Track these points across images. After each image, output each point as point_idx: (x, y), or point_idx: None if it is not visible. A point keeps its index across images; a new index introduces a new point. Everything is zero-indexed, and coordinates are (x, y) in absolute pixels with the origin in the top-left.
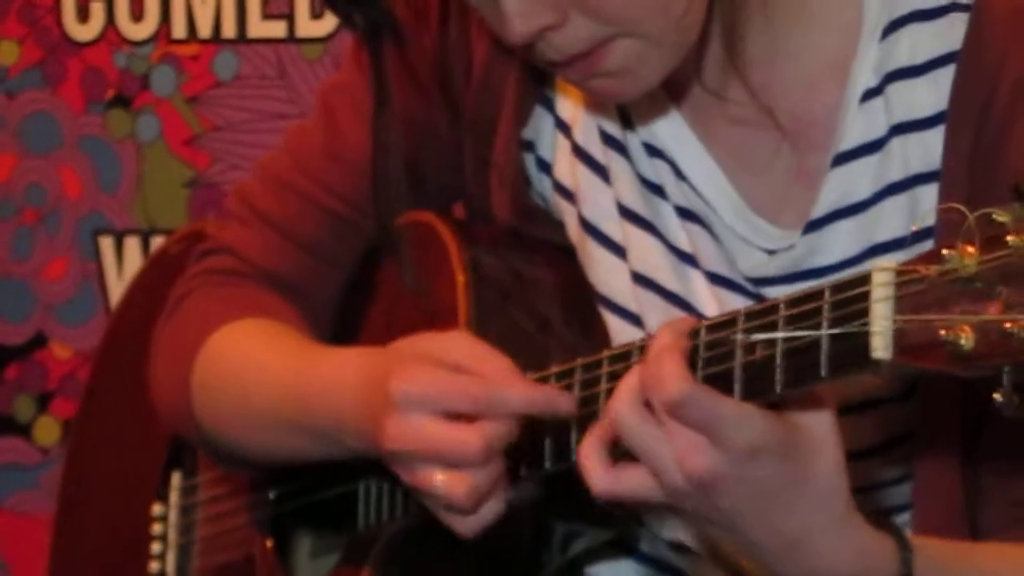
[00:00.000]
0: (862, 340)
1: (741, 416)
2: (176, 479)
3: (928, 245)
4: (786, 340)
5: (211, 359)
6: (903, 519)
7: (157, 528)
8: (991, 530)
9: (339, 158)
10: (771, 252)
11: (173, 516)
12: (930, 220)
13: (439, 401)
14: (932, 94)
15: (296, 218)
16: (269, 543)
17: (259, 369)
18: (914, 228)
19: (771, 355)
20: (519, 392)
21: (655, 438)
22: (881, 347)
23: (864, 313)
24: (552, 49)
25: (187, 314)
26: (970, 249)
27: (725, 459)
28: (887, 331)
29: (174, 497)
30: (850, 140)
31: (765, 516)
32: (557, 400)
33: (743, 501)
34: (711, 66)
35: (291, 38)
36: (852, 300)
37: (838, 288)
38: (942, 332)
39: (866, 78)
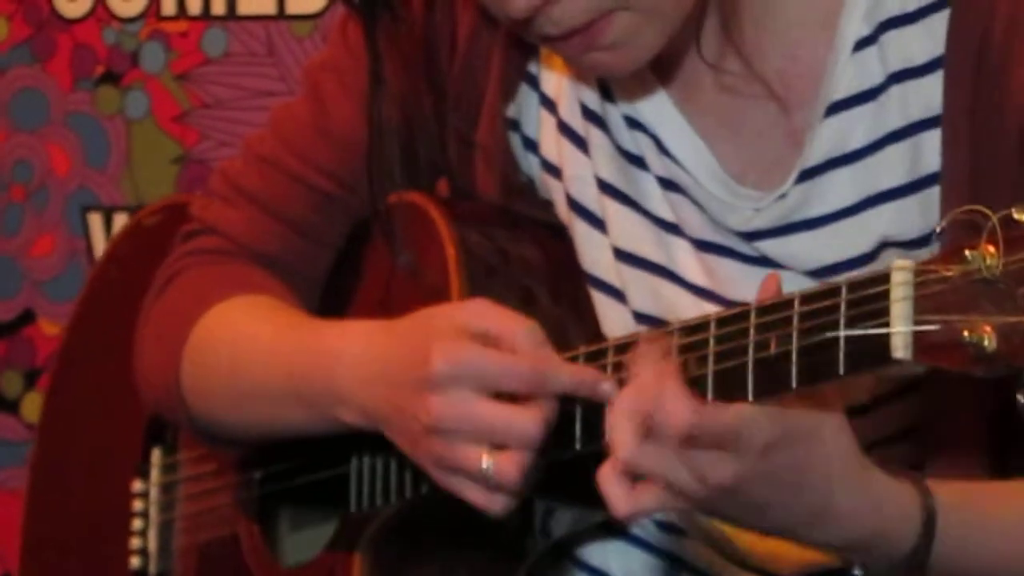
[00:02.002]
0: (882, 340)
1: (749, 420)
2: (156, 456)
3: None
4: (802, 337)
5: (203, 338)
6: None
7: (138, 505)
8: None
9: (326, 135)
10: (758, 210)
11: (154, 493)
12: (933, 153)
13: (488, 379)
14: (927, 40)
15: (282, 196)
16: (254, 522)
17: (252, 341)
18: (937, 229)
19: (787, 351)
20: (568, 374)
21: (671, 465)
22: (901, 347)
23: (883, 312)
24: (551, 23)
25: (176, 295)
26: (992, 249)
27: (744, 466)
28: (908, 332)
29: (155, 474)
30: (843, 90)
31: (786, 499)
32: (601, 383)
33: (767, 493)
34: (709, 37)
35: (280, 15)
36: (870, 299)
37: (855, 286)
38: (965, 333)
39: (857, 28)
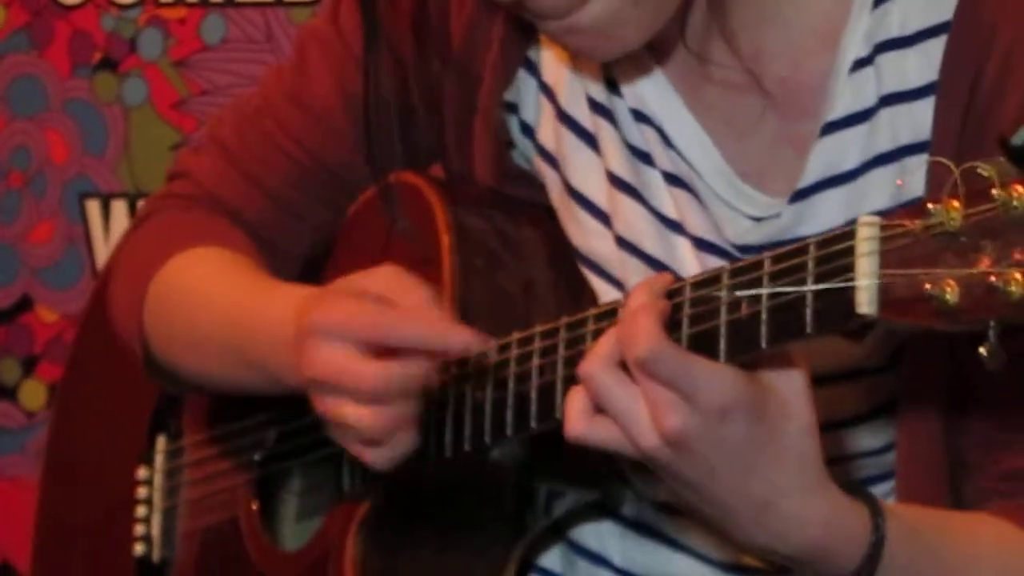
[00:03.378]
0: (847, 295)
1: (713, 375)
2: (161, 442)
3: None
4: (771, 296)
5: (165, 284)
6: (886, 488)
7: (142, 491)
8: (974, 502)
9: (302, 105)
10: (757, 219)
11: (158, 479)
12: (919, 178)
13: (347, 332)
14: (922, 65)
15: (251, 153)
16: (254, 505)
17: (208, 299)
18: (899, 182)
19: (757, 312)
20: (414, 327)
21: (628, 396)
22: (866, 302)
23: (849, 268)
24: (538, 3)
25: (146, 236)
26: (955, 203)
27: (697, 418)
28: (872, 286)
29: (159, 460)
30: (839, 110)
31: (735, 476)
32: (450, 337)
33: (714, 460)
34: (694, 27)
35: (279, 2)
36: (837, 255)
37: (824, 243)
38: (927, 287)
39: (856, 48)
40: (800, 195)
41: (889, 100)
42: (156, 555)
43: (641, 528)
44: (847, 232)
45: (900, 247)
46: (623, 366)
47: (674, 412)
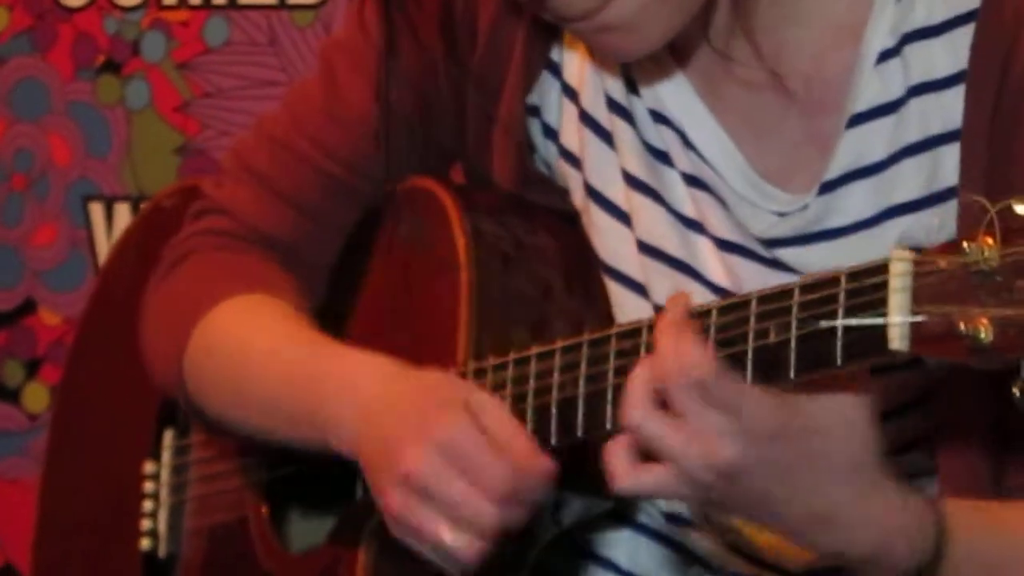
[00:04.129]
0: (879, 330)
1: (763, 399)
2: (169, 438)
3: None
4: (800, 326)
5: (209, 332)
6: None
7: (149, 486)
8: (1018, 489)
9: (338, 119)
10: (782, 215)
11: (165, 475)
12: (951, 169)
13: (473, 465)
14: (950, 54)
15: (292, 179)
16: (264, 507)
17: (254, 348)
18: (935, 220)
19: (785, 340)
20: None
21: (674, 434)
22: (898, 338)
23: (881, 303)
24: (563, 5)
25: (185, 280)
26: (990, 241)
27: (751, 446)
28: (905, 323)
29: (166, 456)
30: (865, 101)
31: (792, 497)
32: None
33: (769, 485)
34: (718, 26)
35: (282, 4)
36: (869, 289)
37: (855, 275)
38: (961, 325)
39: (882, 39)
40: (827, 187)
41: (918, 90)
42: (162, 550)
43: (654, 537)
44: (880, 266)
45: (933, 283)
46: (658, 403)
47: (728, 441)
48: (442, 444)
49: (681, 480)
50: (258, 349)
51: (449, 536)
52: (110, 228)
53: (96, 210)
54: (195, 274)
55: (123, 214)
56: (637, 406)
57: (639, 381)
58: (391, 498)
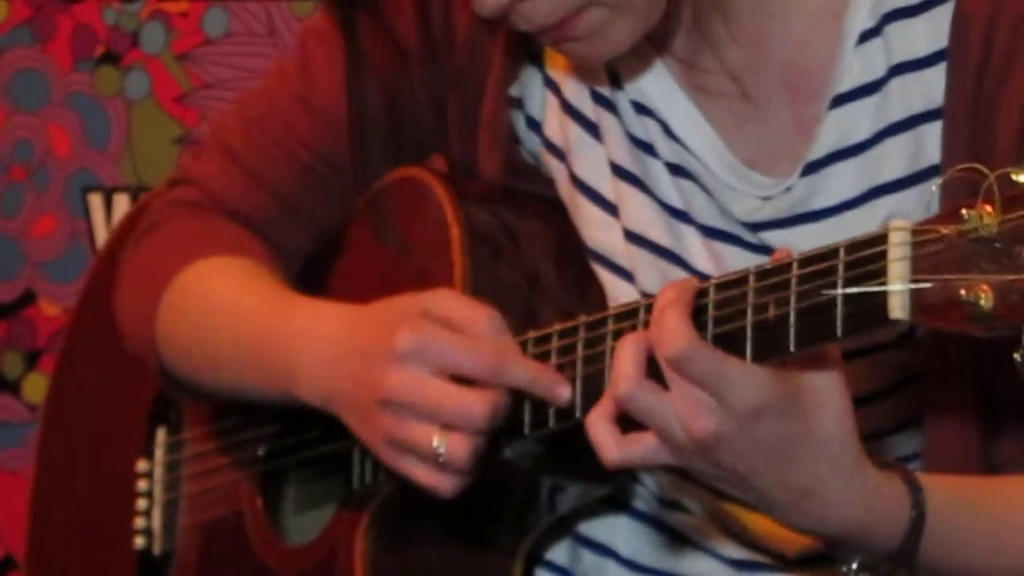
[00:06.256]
0: (879, 300)
1: (745, 375)
2: (161, 435)
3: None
4: (799, 299)
5: (179, 296)
6: (914, 467)
7: (142, 484)
8: (1008, 463)
9: (309, 108)
10: (766, 199)
11: (159, 472)
12: (933, 146)
13: (447, 360)
14: (930, 32)
15: (264, 161)
16: (259, 500)
17: (226, 306)
18: (933, 189)
19: (784, 314)
20: (525, 369)
21: (659, 402)
22: (899, 307)
23: (881, 273)
24: (523, 20)
25: (156, 245)
26: (989, 209)
27: (730, 420)
28: (905, 291)
29: (159, 453)
30: (847, 82)
31: (772, 472)
32: (557, 388)
33: (750, 460)
34: (679, 35)
35: None
36: (868, 259)
37: (853, 247)
38: (962, 292)
39: (862, 20)
40: (811, 168)
41: (899, 69)
42: (157, 548)
43: (650, 522)
44: (878, 237)
45: (932, 252)
46: (651, 374)
47: (705, 415)
48: (409, 354)
49: (666, 449)
50: (225, 309)
51: (439, 438)
52: (110, 219)
53: (96, 201)
54: (166, 240)
55: (123, 205)
56: (629, 381)
57: (628, 351)
58: (375, 426)
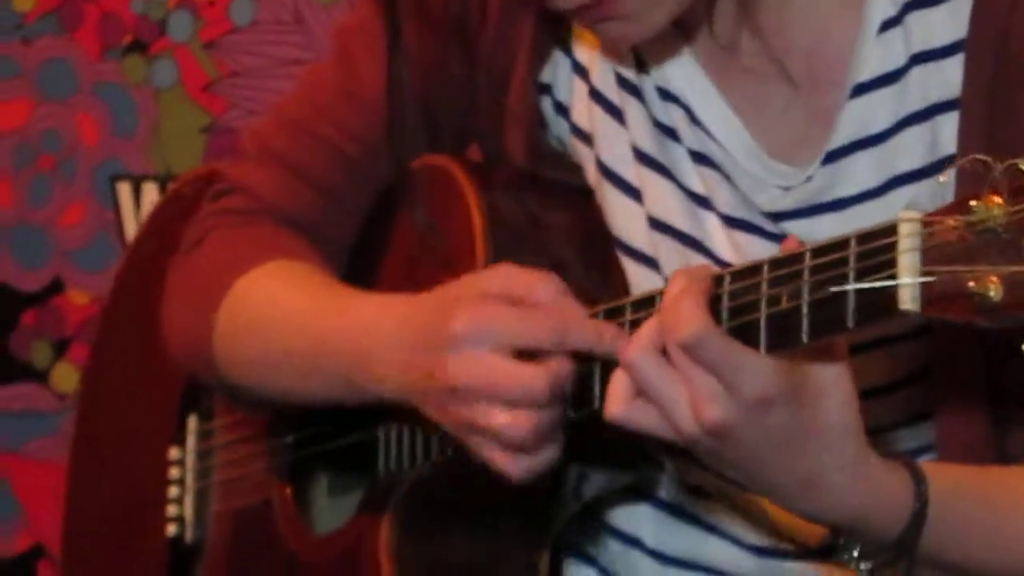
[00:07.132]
0: (889, 292)
1: (756, 364)
2: (192, 423)
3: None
4: (812, 291)
5: (237, 303)
6: (924, 460)
7: (174, 472)
8: (1022, 456)
9: (354, 98)
10: (787, 188)
11: (190, 460)
12: (949, 136)
13: (505, 336)
14: (950, 22)
15: (309, 159)
16: (288, 489)
17: (286, 310)
18: (940, 180)
19: (797, 306)
20: (589, 329)
21: (669, 382)
22: (908, 299)
23: (891, 264)
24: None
25: (208, 256)
26: (997, 200)
27: (737, 410)
28: (915, 283)
29: (191, 441)
30: (868, 71)
31: (777, 460)
32: (620, 341)
33: (755, 449)
34: (723, 18)
35: None
36: (878, 251)
37: (864, 238)
38: (970, 284)
39: (883, 9)
40: (831, 157)
41: (919, 59)
42: (189, 536)
43: (674, 511)
44: (888, 228)
45: (942, 244)
46: (665, 354)
47: (715, 403)
48: (466, 337)
49: (669, 428)
50: (286, 316)
51: (502, 417)
52: (138, 207)
53: (124, 190)
54: (216, 250)
55: (151, 193)
56: (637, 347)
57: (645, 329)
58: (450, 416)
